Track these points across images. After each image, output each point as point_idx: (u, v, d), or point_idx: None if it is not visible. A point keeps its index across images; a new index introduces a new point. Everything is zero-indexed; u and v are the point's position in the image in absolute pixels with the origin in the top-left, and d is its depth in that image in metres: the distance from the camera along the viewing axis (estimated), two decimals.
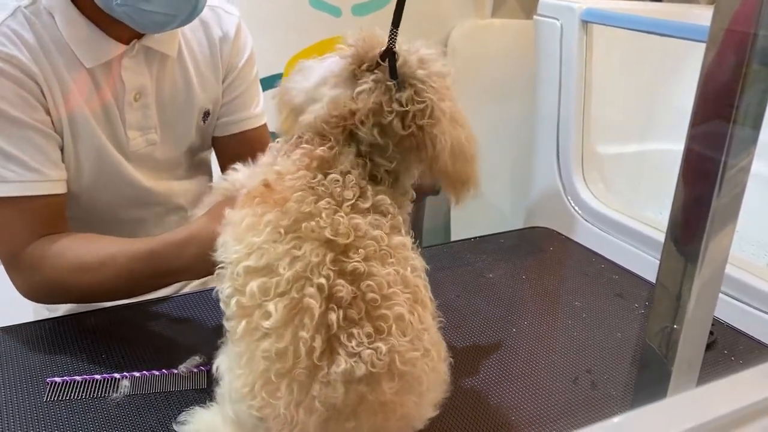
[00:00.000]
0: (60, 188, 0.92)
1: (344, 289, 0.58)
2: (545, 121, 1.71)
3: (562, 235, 1.30)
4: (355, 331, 0.57)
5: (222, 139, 1.11)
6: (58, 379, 0.81)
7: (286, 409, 0.57)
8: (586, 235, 1.45)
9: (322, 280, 0.58)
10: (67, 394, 0.79)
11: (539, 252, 1.23)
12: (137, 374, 0.82)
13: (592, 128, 1.65)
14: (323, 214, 0.61)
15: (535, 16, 1.73)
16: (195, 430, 0.70)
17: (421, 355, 0.59)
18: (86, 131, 0.94)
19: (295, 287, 0.58)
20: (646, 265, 1.18)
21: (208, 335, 0.63)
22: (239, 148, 1.10)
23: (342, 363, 0.56)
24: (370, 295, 0.58)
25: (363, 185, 0.64)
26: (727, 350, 0.94)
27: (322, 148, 0.65)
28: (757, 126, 0.54)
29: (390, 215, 0.64)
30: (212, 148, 1.15)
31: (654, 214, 1.62)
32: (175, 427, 0.73)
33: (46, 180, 0.89)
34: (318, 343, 0.56)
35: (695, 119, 0.56)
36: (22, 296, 0.95)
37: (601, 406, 0.82)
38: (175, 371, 0.83)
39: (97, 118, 0.95)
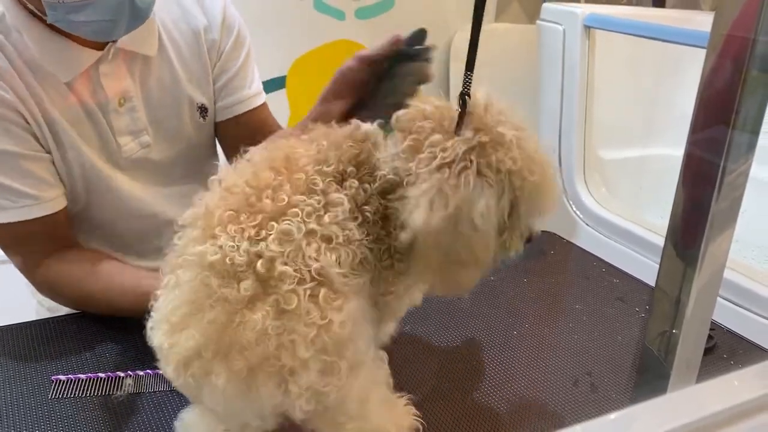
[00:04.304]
0: (58, 205, 0.92)
1: (240, 191, 0.60)
2: (548, 125, 1.71)
3: (564, 239, 1.30)
4: (231, 227, 0.58)
5: (221, 125, 1.07)
6: (63, 377, 0.81)
7: (165, 300, 0.61)
8: (588, 239, 1.46)
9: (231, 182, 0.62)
10: (71, 391, 0.80)
11: (541, 255, 1.23)
12: (141, 373, 0.83)
13: (594, 133, 1.65)
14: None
15: (538, 21, 1.73)
16: (184, 425, 0.71)
17: (296, 275, 0.56)
18: (72, 147, 0.92)
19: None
20: (648, 269, 1.18)
21: None
22: (239, 132, 1.06)
23: (199, 247, 0.58)
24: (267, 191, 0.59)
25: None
26: (727, 354, 0.95)
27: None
28: (756, 131, 0.55)
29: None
30: (216, 150, 1.13)
31: (655, 218, 1.62)
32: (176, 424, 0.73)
33: (42, 202, 0.90)
34: (198, 234, 0.60)
35: (695, 124, 0.57)
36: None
37: (601, 409, 0.82)
38: None
39: (83, 132, 0.93)
